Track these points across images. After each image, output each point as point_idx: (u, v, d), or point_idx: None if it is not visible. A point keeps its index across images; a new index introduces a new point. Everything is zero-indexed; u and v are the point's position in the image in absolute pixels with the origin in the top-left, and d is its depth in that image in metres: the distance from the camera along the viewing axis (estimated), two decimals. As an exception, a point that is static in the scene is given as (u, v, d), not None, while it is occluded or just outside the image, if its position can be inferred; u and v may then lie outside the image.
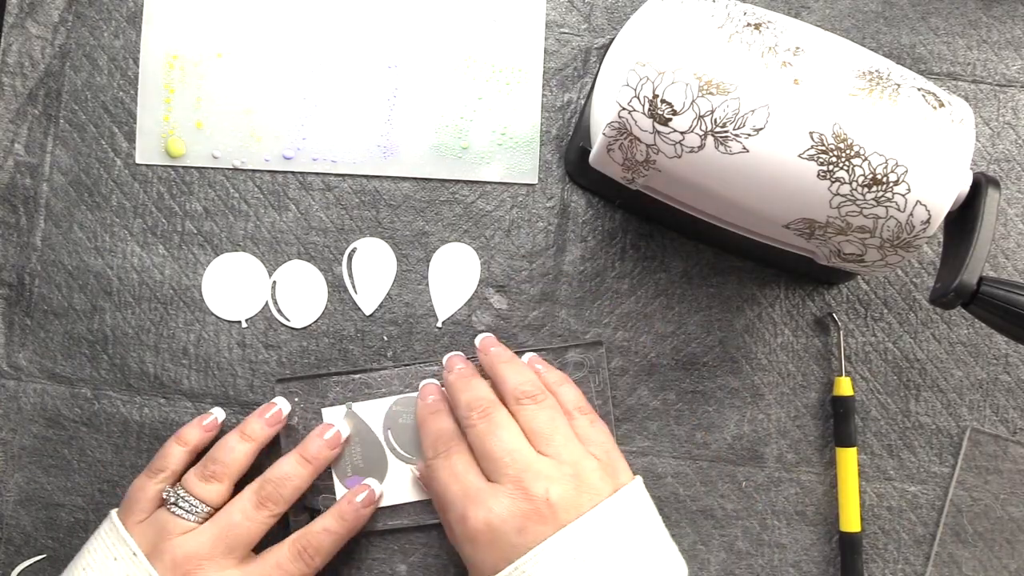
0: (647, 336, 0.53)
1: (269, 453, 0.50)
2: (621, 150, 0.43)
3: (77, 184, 0.54)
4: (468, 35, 0.54)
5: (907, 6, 0.54)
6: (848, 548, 0.52)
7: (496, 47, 0.54)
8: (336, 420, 0.52)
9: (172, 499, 0.47)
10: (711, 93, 0.40)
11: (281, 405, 0.51)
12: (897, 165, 0.40)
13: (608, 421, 0.52)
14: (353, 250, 0.54)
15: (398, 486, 0.51)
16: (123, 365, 0.53)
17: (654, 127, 0.41)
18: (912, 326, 0.53)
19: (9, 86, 0.54)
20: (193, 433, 0.50)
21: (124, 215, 0.54)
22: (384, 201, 0.54)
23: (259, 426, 0.49)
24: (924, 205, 0.40)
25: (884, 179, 0.40)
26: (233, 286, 0.53)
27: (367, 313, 0.53)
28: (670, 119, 0.41)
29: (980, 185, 0.41)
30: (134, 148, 0.54)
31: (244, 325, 0.53)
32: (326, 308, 0.53)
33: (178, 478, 0.48)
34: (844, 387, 0.52)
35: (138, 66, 0.54)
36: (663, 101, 0.40)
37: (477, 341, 0.52)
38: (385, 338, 0.53)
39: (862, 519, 0.52)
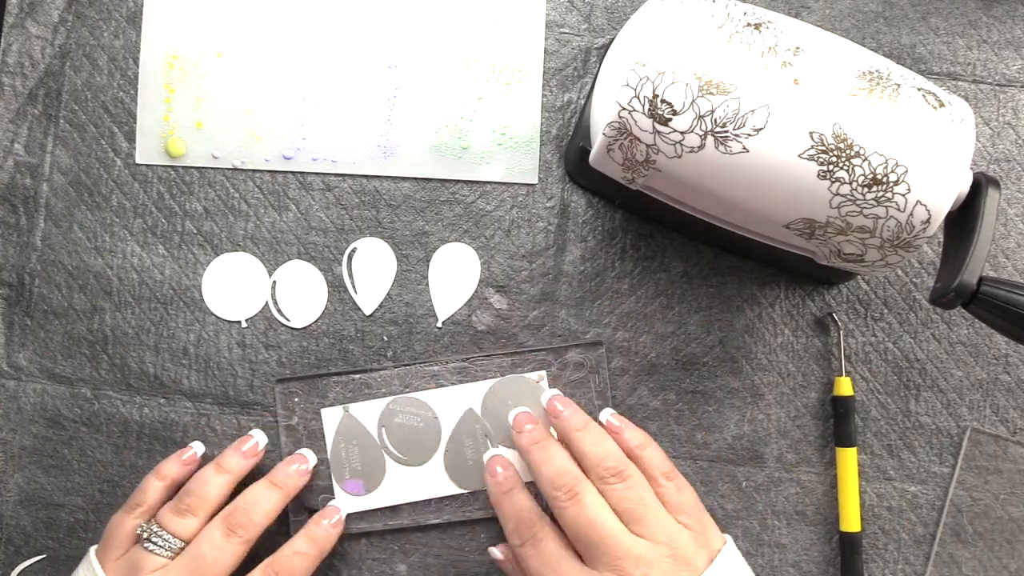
0: (647, 336, 0.53)
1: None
2: (621, 150, 0.43)
3: (77, 184, 0.54)
4: (468, 35, 0.54)
5: (907, 6, 0.54)
6: (848, 548, 0.52)
7: (496, 47, 0.54)
8: (333, 422, 0.52)
9: (146, 535, 0.46)
10: (711, 93, 0.40)
11: (258, 438, 0.50)
12: (897, 165, 0.40)
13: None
14: (353, 250, 0.54)
15: (397, 487, 0.51)
16: (123, 365, 0.53)
17: (654, 127, 0.41)
18: (912, 326, 0.53)
19: (9, 86, 0.54)
20: (172, 467, 0.49)
21: (124, 215, 0.54)
22: (384, 201, 0.54)
23: (236, 459, 0.49)
24: (924, 205, 0.40)
25: (884, 179, 0.40)
26: (233, 286, 0.53)
27: (367, 313, 0.53)
28: (670, 119, 0.41)
29: (980, 185, 0.41)
30: (134, 148, 0.54)
31: (244, 325, 0.53)
32: (326, 308, 0.53)
33: (155, 513, 0.48)
34: (844, 387, 0.52)
35: (138, 66, 0.54)
36: (663, 101, 0.40)
37: (544, 400, 0.50)
38: (385, 338, 0.53)
39: (862, 519, 0.52)
